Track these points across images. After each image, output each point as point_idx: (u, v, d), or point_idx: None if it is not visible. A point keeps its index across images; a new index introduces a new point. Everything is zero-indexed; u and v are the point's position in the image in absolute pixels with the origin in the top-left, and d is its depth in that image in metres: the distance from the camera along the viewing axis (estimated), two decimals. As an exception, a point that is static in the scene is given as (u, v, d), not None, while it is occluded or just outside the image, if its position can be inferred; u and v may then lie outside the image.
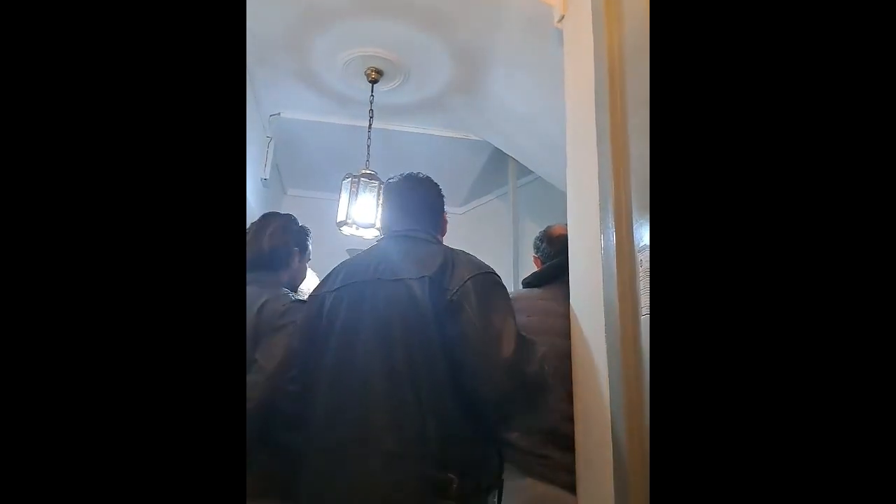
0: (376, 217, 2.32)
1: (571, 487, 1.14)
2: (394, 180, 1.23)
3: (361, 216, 2.29)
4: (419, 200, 1.20)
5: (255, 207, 2.81)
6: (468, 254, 1.09)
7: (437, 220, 1.21)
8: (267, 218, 1.42)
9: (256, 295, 1.26)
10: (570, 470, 1.15)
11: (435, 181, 1.26)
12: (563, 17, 1.51)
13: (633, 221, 0.99)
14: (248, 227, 1.43)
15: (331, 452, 0.95)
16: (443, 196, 1.26)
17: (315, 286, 1.16)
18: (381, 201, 1.28)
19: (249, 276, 1.34)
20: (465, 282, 0.99)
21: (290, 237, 1.40)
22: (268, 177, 2.90)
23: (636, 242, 0.97)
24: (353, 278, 1.08)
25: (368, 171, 2.34)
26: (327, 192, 3.17)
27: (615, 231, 1.02)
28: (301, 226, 1.46)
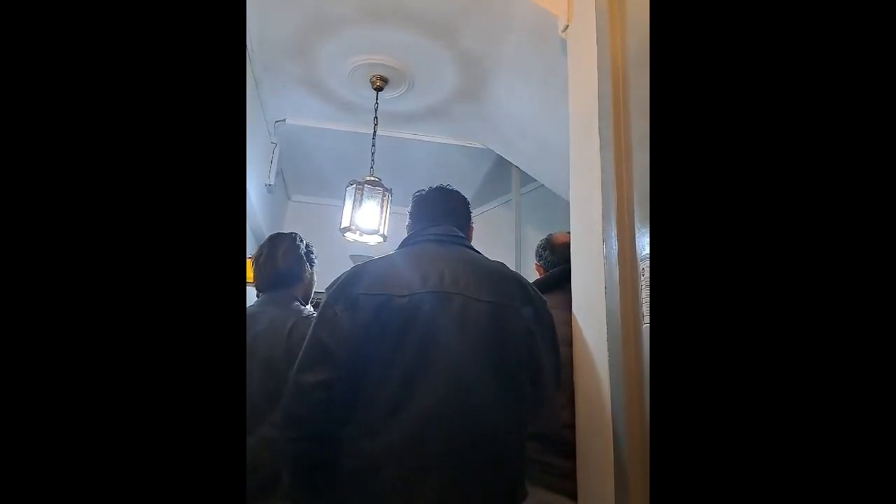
0: (380, 224, 2.34)
1: (572, 494, 1.14)
2: (425, 190, 1.27)
3: (365, 222, 2.31)
4: (454, 206, 1.24)
5: (259, 213, 2.82)
6: (523, 277, 1.13)
7: (466, 228, 1.25)
8: (275, 239, 1.51)
9: (281, 318, 1.33)
10: (571, 477, 1.15)
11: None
12: (567, 27, 1.53)
13: (636, 230, 0.99)
14: (257, 250, 1.50)
15: (404, 468, 0.89)
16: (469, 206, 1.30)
17: (343, 285, 1.02)
18: (409, 211, 1.25)
19: (266, 297, 1.43)
20: (543, 319, 1.07)
21: (302, 253, 1.50)
22: (272, 182, 2.92)
23: (638, 251, 0.98)
24: (422, 287, 1.00)
25: (373, 178, 2.35)
26: (331, 198, 3.18)
27: (618, 240, 1.03)
28: (306, 242, 1.56)
